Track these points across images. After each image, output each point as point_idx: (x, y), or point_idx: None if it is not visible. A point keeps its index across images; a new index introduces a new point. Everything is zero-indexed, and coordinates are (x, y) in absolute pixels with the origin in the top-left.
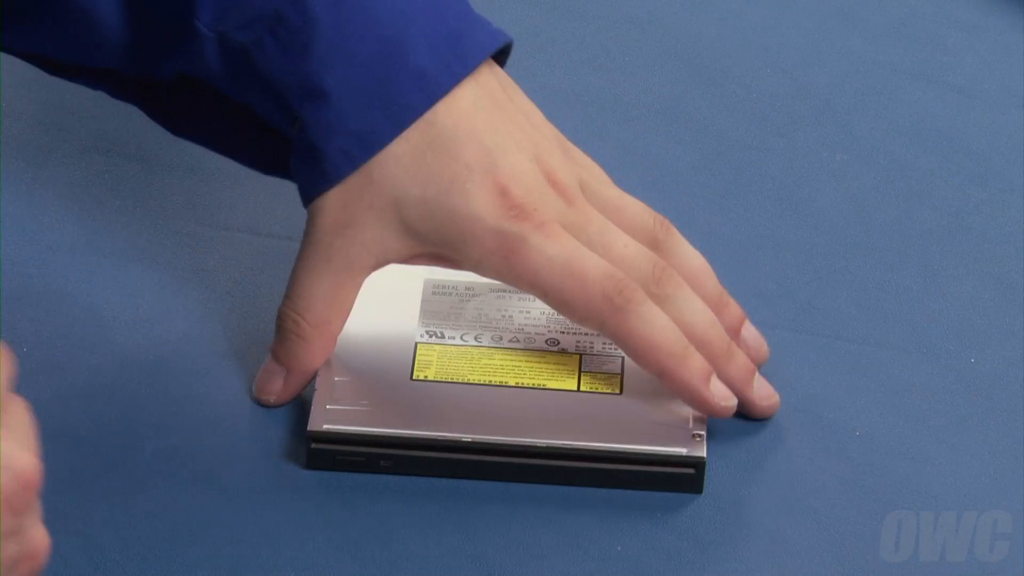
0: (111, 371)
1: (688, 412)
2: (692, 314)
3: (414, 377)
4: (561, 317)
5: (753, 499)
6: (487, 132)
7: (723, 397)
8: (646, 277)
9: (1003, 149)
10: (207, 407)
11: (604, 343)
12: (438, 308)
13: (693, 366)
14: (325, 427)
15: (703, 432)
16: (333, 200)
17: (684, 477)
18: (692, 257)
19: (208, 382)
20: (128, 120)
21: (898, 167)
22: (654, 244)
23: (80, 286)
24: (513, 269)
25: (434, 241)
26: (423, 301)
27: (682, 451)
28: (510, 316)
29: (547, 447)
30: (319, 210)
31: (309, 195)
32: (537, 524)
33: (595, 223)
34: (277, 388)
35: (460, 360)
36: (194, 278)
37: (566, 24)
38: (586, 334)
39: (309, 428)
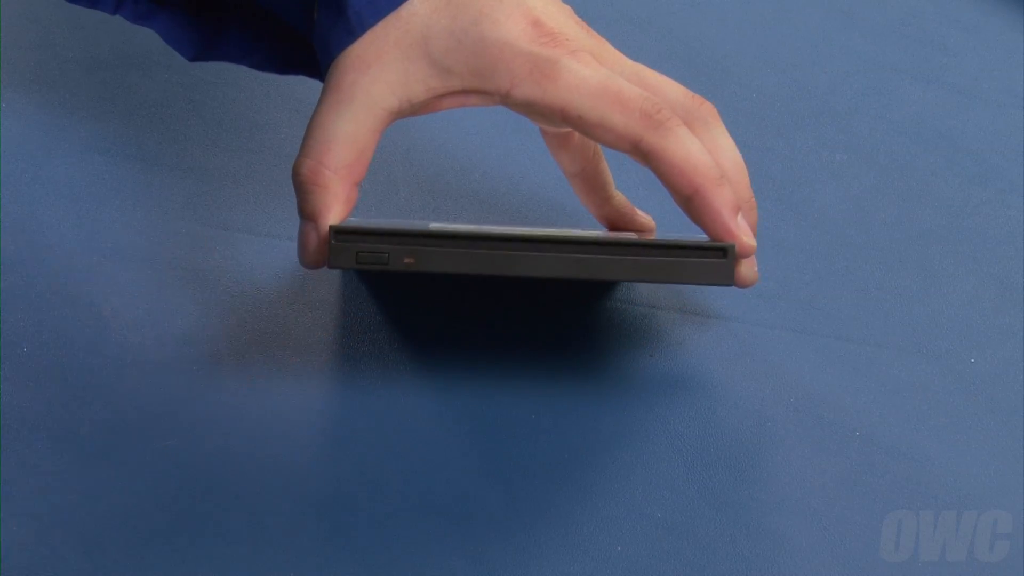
0: (111, 371)
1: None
2: (725, 150)
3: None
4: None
5: (753, 498)
6: None
7: (747, 232)
8: (682, 106)
9: (1003, 149)
10: (207, 407)
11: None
12: None
13: (725, 193)
14: (349, 221)
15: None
16: (357, 44)
17: (714, 265)
18: (726, 152)
19: (208, 382)
20: (128, 120)
21: (898, 167)
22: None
23: (80, 286)
24: (547, 94)
25: (461, 73)
26: None
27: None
28: None
29: (579, 237)
30: (342, 56)
31: (334, 56)
32: (537, 524)
33: (627, 62)
34: (312, 247)
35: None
36: (194, 278)
37: None
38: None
39: (331, 224)
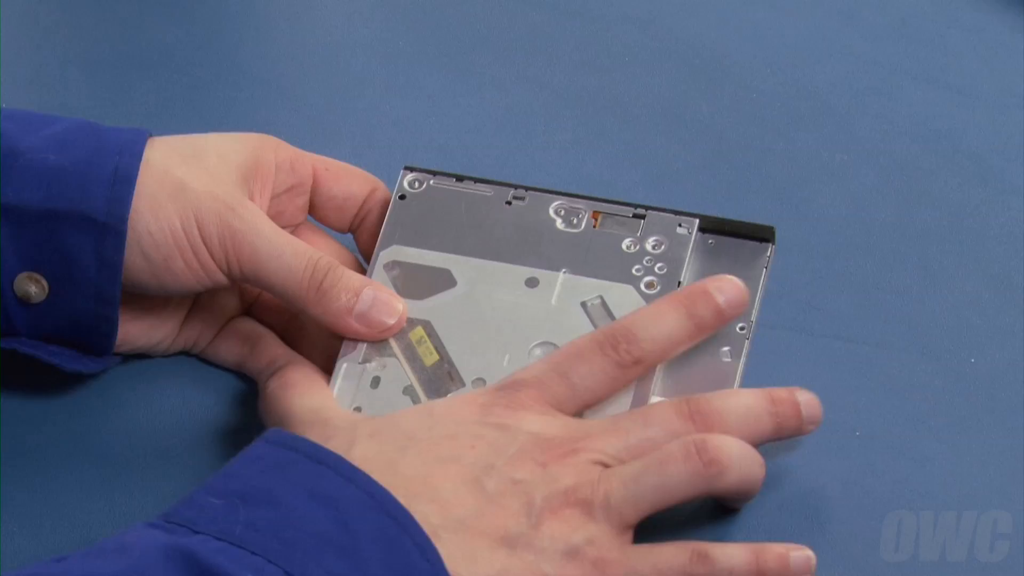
0: (110, 372)
1: None
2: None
3: None
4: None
5: (754, 499)
6: None
7: None
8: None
9: (1003, 149)
10: (207, 408)
11: None
12: None
13: None
14: None
15: None
16: None
17: None
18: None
19: (208, 383)
20: (128, 120)
21: (898, 167)
22: None
23: None
24: None
25: None
26: None
27: None
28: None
29: None
30: None
31: None
32: None
33: None
34: None
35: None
36: None
37: (566, 24)
38: None
39: None
